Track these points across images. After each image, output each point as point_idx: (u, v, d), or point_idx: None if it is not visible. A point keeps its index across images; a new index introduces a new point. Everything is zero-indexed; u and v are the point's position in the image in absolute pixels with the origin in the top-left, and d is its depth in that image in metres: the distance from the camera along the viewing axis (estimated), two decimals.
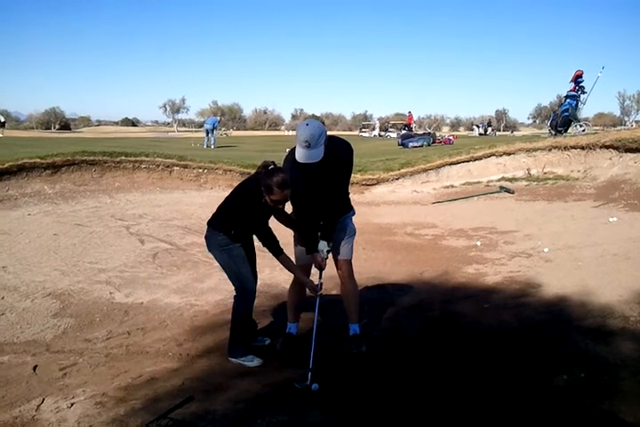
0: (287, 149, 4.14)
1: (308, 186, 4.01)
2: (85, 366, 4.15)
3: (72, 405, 3.49)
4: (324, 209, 4.12)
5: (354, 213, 4.41)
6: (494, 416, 3.24)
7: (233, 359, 4.18)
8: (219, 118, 33.20)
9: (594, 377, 3.62)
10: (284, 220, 4.37)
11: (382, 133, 46.84)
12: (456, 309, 5.26)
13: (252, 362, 4.14)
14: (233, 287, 4.27)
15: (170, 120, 79.95)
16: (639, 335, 4.19)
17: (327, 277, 5.49)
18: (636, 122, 56.76)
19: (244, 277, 4.19)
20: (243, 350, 4.22)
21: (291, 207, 4.18)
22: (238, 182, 4.46)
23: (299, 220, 4.22)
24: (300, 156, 3.78)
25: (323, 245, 4.18)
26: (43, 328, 4.94)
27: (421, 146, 25.52)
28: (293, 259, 4.33)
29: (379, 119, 67.28)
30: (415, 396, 3.52)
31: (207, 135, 25.70)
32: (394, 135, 40.88)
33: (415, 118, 55.59)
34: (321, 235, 4.19)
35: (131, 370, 4.05)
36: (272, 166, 3.98)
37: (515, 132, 53.27)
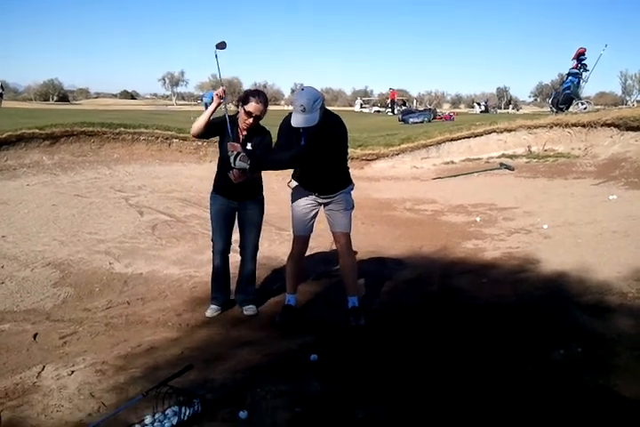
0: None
1: (293, 140, 4.02)
2: (85, 334, 4.17)
3: (72, 372, 3.51)
4: (319, 178, 4.13)
5: (352, 188, 4.38)
6: (492, 389, 3.26)
7: None
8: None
9: (591, 352, 3.65)
10: None
11: (380, 110, 46.83)
12: (454, 283, 5.28)
13: (206, 311, 4.57)
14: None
15: (169, 93, 79.33)
16: (636, 311, 4.22)
17: (325, 252, 5.51)
18: (638, 101, 56.24)
19: (212, 233, 4.57)
20: (210, 299, 4.66)
21: None
22: None
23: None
24: (296, 120, 3.77)
25: (243, 151, 3.89)
26: (42, 297, 4.95)
27: (422, 122, 25.37)
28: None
29: (379, 95, 66.95)
30: (413, 369, 3.55)
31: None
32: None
33: (416, 95, 55.53)
34: (255, 155, 3.99)
35: (130, 339, 4.08)
36: None
37: (520, 110, 52.66)
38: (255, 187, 4.42)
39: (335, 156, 4.11)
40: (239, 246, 4.60)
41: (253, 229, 4.49)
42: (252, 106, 4.10)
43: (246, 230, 4.49)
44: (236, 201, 4.36)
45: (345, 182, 4.31)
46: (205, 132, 4.27)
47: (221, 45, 4.20)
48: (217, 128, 4.26)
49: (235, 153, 3.83)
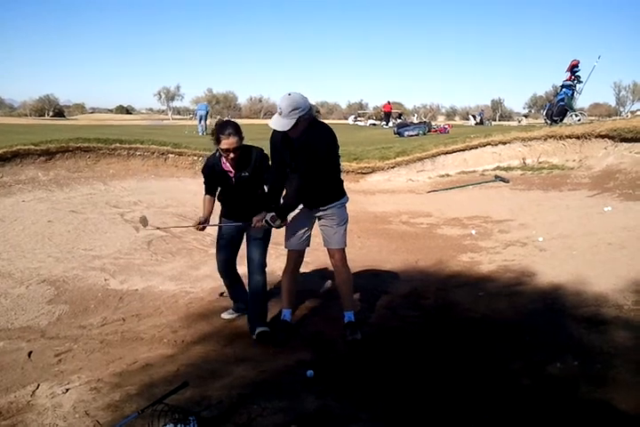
0: None
1: (286, 158, 4.09)
2: (80, 352, 4.15)
3: (67, 390, 3.49)
4: (309, 191, 4.09)
5: (347, 201, 4.36)
6: (488, 403, 3.25)
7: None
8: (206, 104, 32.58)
9: (587, 365, 3.64)
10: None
11: (376, 123, 47.12)
12: (450, 297, 5.27)
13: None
14: None
15: (164, 108, 79.31)
16: (632, 324, 4.21)
17: (321, 266, 5.52)
18: (632, 112, 56.56)
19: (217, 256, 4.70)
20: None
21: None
22: None
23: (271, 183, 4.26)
24: (272, 121, 3.90)
25: (268, 216, 4.07)
26: (37, 314, 4.94)
27: (417, 135, 25.42)
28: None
29: (374, 108, 67.35)
30: (411, 383, 3.54)
31: (200, 122, 25.40)
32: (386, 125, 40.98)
33: (411, 108, 56.03)
34: (275, 208, 4.12)
35: (126, 356, 4.06)
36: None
37: (521, 119, 52.63)
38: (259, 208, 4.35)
39: (323, 169, 4.08)
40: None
41: (260, 245, 4.42)
42: (224, 143, 4.03)
43: (252, 247, 4.42)
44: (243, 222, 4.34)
45: (337, 195, 4.28)
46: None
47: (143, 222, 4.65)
48: (214, 182, 4.43)
49: (264, 221, 4.07)
